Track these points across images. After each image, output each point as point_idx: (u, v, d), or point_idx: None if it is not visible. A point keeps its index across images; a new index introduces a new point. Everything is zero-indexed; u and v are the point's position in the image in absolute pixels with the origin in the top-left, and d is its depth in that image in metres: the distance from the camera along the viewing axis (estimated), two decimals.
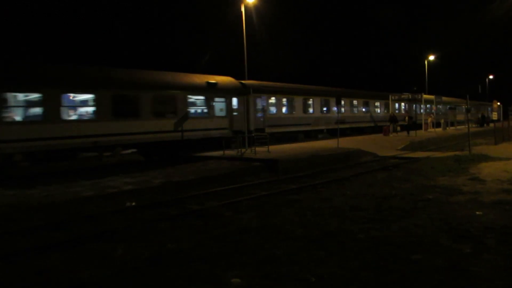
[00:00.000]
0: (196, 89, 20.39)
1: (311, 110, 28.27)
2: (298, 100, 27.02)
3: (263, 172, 14.25)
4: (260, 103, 23.95)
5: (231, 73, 24.56)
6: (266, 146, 17.78)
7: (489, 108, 56.04)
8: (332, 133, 29.94)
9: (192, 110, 20.36)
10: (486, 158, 15.43)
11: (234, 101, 22.12)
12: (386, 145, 23.02)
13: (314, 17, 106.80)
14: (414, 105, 40.65)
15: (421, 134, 30.55)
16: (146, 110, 17.93)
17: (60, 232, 7.52)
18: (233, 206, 9.13)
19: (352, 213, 7.91)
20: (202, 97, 20.81)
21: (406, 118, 31.46)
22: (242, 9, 28.47)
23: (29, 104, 15.25)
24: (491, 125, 38.18)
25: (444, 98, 44.49)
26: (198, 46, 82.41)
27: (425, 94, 40.23)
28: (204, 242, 6.39)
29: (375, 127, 34.52)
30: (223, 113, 21.48)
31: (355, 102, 33.12)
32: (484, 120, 46.96)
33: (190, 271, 5.19)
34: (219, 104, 21.39)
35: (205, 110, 20.88)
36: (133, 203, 9.59)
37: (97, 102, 16.38)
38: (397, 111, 36.52)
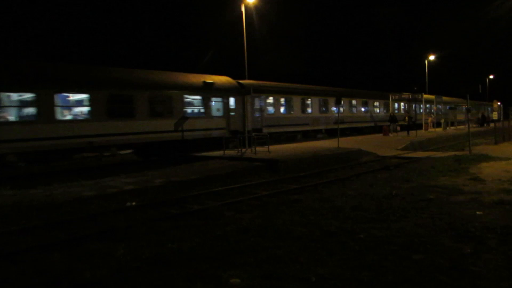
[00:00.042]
0: (193, 89, 20.27)
1: (309, 110, 28.19)
2: (296, 100, 26.94)
3: (264, 172, 14.26)
4: (258, 103, 23.85)
5: (231, 73, 24.56)
6: (266, 146, 17.78)
7: (489, 108, 56.04)
8: (330, 133, 29.92)
9: (188, 110, 20.25)
10: (486, 158, 15.43)
11: (232, 101, 22.01)
12: (386, 145, 23.02)
13: (314, 17, 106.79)
14: (413, 105, 40.65)
15: (421, 134, 30.55)
16: (141, 110, 17.80)
17: (61, 232, 7.52)
18: (234, 206, 9.14)
19: (353, 213, 7.91)
20: (199, 97, 20.67)
21: (406, 118, 31.45)
22: (243, 9, 28.48)
23: (23, 104, 15.11)
24: (491, 125, 38.18)
25: (444, 98, 44.50)
26: (198, 46, 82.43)
27: (425, 94, 40.27)
28: (205, 242, 6.39)
29: (375, 127, 34.52)
30: (220, 113, 21.37)
31: (354, 102, 33.05)
32: (484, 120, 46.97)
33: (190, 271, 5.19)
34: (216, 104, 21.28)
35: (202, 110, 20.74)
36: (134, 203, 9.59)
37: (91, 102, 16.24)
38: (396, 111, 36.48)
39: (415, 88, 49.43)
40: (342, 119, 29.32)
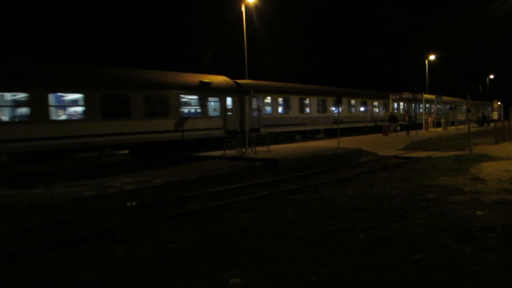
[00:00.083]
0: (189, 89, 20.11)
1: (308, 110, 28.05)
2: (294, 100, 26.81)
3: (264, 172, 14.25)
4: (255, 103, 23.72)
5: (232, 73, 24.53)
6: (266, 146, 17.77)
7: (489, 108, 56.03)
8: (329, 133, 29.87)
9: (185, 110, 20.09)
10: (486, 157, 15.42)
11: (229, 100, 21.85)
12: (386, 144, 23.02)
13: (314, 17, 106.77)
14: (413, 105, 40.62)
15: (421, 133, 30.54)
16: (137, 110, 17.64)
17: (61, 232, 7.53)
18: (234, 205, 9.14)
19: (353, 212, 7.91)
20: (195, 97, 20.50)
21: (406, 118, 31.44)
22: (243, 8, 28.48)
23: (16, 104, 14.99)
24: (492, 124, 38.18)
25: (444, 98, 44.51)
26: (198, 46, 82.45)
27: (425, 93, 40.26)
28: (205, 242, 6.39)
29: (374, 127, 34.47)
30: (217, 113, 21.21)
31: (353, 102, 32.93)
32: (484, 120, 46.98)
33: (191, 271, 5.19)
34: (213, 103, 21.11)
35: (199, 110, 20.56)
36: (134, 203, 9.59)
37: (86, 102, 16.08)
38: (396, 111, 36.43)
39: (416, 88, 49.50)
40: (341, 119, 29.28)
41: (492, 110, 48.04)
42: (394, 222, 7.14)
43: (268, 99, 25.10)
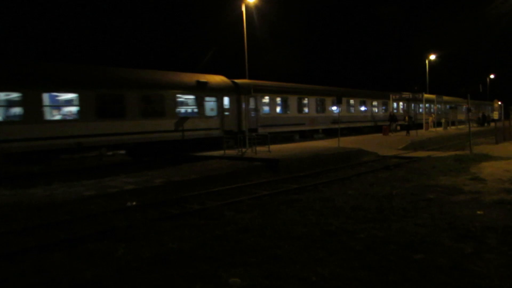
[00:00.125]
0: (186, 88, 19.96)
1: (306, 110, 27.95)
2: (292, 100, 26.69)
3: (264, 172, 14.25)
4: (253, 103, 23.56)
5: (232, 73, 24.51)
6: (267, 146, 17.76)
7: (489, 108, 55.97)
8: (328, 133, 29.81)
9: (182, 109, 19.93)
10: (487, 157, 15.41)
11: (226, 100, 21.68)
12: (386, 144, 23.02)
13: (314, 17, 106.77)
14: (412, 105, 40.58)
15: (422, 133, 30.54)
16: (132, 110, 17.47)
17: (61, 232, 7.53)
18: (234, 205, 9.13)
19: (353, 212, 7.90)
20: (192, 96, 20.33)
21: (406, 118, 31.43)
22: (243, 8, 28.46)
23: (9, 103, 14.82)
24: (492, 124, 38.15)
25: (445, 98, 44.48)
26: (198, 46, 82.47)
27: (426, 93, 40.24)
28: (205, 242, 6.38)
29: (373, 127, 34.40)
30: (214, 113, 21.06)
31: (351, 101, 32.81)
32: (485, 120, 46.93)
33: (191, 271, 5.18)
34: (209, 103, 20.93)
35: (196, 110, 20.37)
36: (134, 203, 9.59)
37: (80, 102, 15.95)
38: (395, 111, 36.36)
39: (416, 87, 49.46)
40: (340, 119, 29.25)
41: (493, 110, 47.95)
42: (394, 222, 7.14)
43: (266, 99, 24.97)
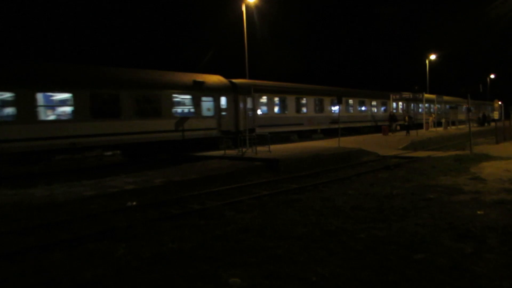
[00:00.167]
0: (182, 88, 19.80)
1: (304, 110, 27.80)
2: (290, 99, 26.53)
3: (264, 172, 14.25)
4: (250, 103, 23.40)
5: (233, 73, 24.46)
6: (267, 146, 17.76)
7: (489, 107, 55.95)
8: (326, 133, 29.75)
9: (178, 109, 19.78)
10: (487, 157, 15.40)
11: (223, 100, 21.52)
12: (386, 144, 23.02)
13: (315, 17, 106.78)
14: (412, 105, 40.54)
15: (422, 133, 30.53)
16: (128, 110, 17.30)
17: (61, 232, 7.53)
18: (234, 205, 9.13)
19: (353, 212, 7.90)
20: (188, 96, 20.15)
21: (406, 118, 31.43)
22: (243, 8, 28.46)
23: (2, 103, 14.66)
24: (492, 124, 38.14)
25: (445, 98, 44.45)
26: (198, 46, 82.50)
27: (426, 93, 40.22)
28: (205, 242, 6.38)
29: (372, 127, 34.34)
30: (211, 113, 20.89)
31: (350, 101, 32.69)
32: (485, 120, 46.88)
33: (191, 271, 5.18)
34: (206, 103, 20.76)
35: (192, 110, 20.19)
36: (134, 203, 9.59)
37: (74, 102, 15.80)
38: (394, 111, 36.31)
39: (416, 87, 49.47)
40: (340, 119, 29.18)
41: (493, 110, 47.93)
42: (395, 222, 7.13)
43: (264, 99, 24.81)
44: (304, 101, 27.80)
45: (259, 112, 24.27)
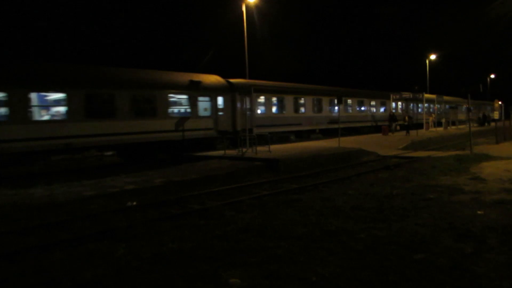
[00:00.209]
0: (178, 88, 19.68)
1: (302, 110, 27.69)
2: (288, 99, 26.40)
3: (265, 172, 14.25)
4: (248, 102, 23.21)
5: (233, 73, 24.40)
6: (267, 146, 17.76)
7: (489, 107, 55.93)
8: (325, 133, 29.70)
9: (174, 109, 19.66)
10: (487, 157, 15.41)
11: (220, 100, 21.39)
12: (386, 144, 23.02)
13: (315, 17, 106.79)
14: (411, 105, 40.49)
15: (422, 133, 30.54)
16: (123, 110, 17.17)
17: (61, 232, 7.53)
18: (234, 205, 9.12)
19: (353, 212, 7.90)
20: (185, 96, 20.00)
21: (406, 118, 31.42)
22: (243, 8, 28.45)
23: None
24: (492, 124, 38.14)
25: (445, 97, 44.44)
26: (198, 46, 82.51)
27: (426, 93, 40.21)
28: (205, 242, 6.38)
29: (372, 127, 34.29)
30: (207, 113, 20.76)
31: (349, 101, 32.60)
32: (485, 120, 46.87)
33: (191, 271, 5.18)
34: (203, 103, 20.63)
35: (189, 110, 20.01)
36: (134, 203, 9.59)
37: (68, 102, 15.67)
38: (394, 111, 36.28)
39: (416, 87, 49.46)
40: (338, 119, 29.12)
41: (493, 110, 47.92)
42: (395, 222, 7.13)
43: (262, 99, 24.66)
44: (302, 101, 27.70)
45: (257, 112, 24.17)
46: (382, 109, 37.04)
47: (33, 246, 6.49)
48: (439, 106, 43.79)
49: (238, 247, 6.01)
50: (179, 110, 20.05)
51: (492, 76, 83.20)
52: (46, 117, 15.72)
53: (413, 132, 29.67)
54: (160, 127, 18.44)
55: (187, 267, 5.30)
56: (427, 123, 35.43)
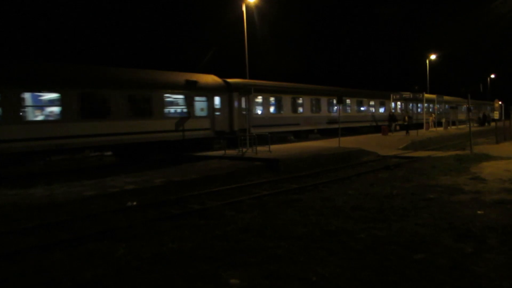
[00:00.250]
0: (174, 88, 19.57)
1: (301, 110, 27.59)
2: (286, 99, 26.29)
3: (265, 172, 14.25)
4: (245, 102, 23.13)
5: (232, 73, 24.36)
6: (267, 146, 17.76)
7: (489, 107, 55.95)
8: (323, 133, 29.64)
9: (170, 109, 19.53)
10: (487, 157, 15.41)
11: (217, 100, 21.27)
12: (386, 144, 23.02)
13: (315, 17, 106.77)
14: (411, 104, 40.47)
15: (422, 133, 30.54)
16: (118, 110, 17.03)
17: (62, 232, 7.53)
18: (235, 205, 9.12)
19: (353, 212, 7.90)
20: (181, 96, 19.87)
21: (406, 118, 31.41)
22: (244, 8, 28.45)
23: None
24: (492, 124, 38.13)
25: (445, 97, 44.43)
26: (198, 46, 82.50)
27: (426, 93, 40.21)
28: (205, 242, 6.38)
29: (372, 127, 34.26)
30: (204, 113, 20.64)
31: (348, 101, 32.49)
32: (485, 119, 46.87)
33: (191, 271, 5.18)
34: (200, 103, 20.52)
35: (185, 110, 19.91)
36: (134, 203, 9.59)
37: (62, 102, 15.54)
38: (393, 111, 36.25)
39: (416, 87, 49.46)
40: (337, 119, 29.05)
41: (493, 110, 47.91)
42: (395, 222, 7.13)
43: (259, 99, 24.54)
44: (300, 101, 27.58)
45: (255, 112, 24.07)
46: (381, 109, 36.99)
47: (33, 246, 6.49)
48: (439, 106, 43.79)
49: (238, 247, 6.01)
50: (175, 110, 19.93)
51: (492, 76, 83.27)
52: (40, 117, 15.56)
53: (413, 132, 29.67)
54: (156, 127, 18.31)
55: (187, 267, 5.31)
56: (427, 123, 35.43)
